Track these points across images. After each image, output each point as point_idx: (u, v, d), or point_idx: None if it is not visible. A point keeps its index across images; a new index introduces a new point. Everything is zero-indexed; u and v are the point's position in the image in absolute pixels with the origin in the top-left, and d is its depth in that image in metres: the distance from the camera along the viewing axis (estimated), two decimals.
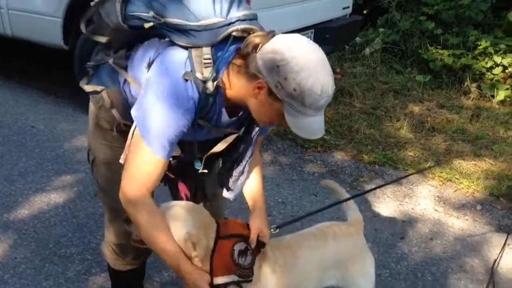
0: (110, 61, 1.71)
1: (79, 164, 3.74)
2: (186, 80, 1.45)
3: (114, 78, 1.71)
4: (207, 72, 1.47)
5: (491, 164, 4.12)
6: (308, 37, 4.78)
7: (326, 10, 4.91)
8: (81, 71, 4.42)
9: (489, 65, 5.48)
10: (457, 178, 3.93)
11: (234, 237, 1.69)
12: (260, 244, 1.75)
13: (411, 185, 3.87)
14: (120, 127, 1.74)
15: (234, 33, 1.52)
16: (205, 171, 1.81)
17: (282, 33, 1.50)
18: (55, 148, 4.00)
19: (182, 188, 1.88)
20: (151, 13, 1.51)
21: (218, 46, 1.52)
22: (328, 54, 5.33)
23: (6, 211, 3.16)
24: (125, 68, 1.69)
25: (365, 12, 6.89)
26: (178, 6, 1.52)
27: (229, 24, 1.51)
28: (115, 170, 1.73)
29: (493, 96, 5.28)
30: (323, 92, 1.39)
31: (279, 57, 1.38)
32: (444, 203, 3.65)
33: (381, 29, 6.65)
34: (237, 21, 1.52)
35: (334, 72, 4.67)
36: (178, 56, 1.49)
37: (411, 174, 3.46)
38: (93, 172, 1.96)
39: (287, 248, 1.85)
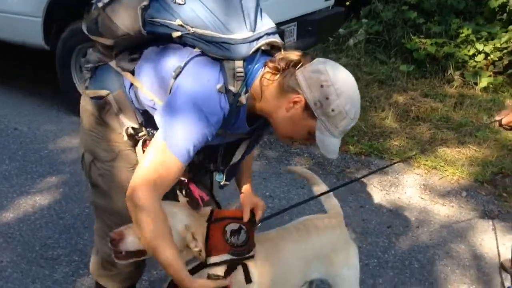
0: (112, 63, 1.67)
1: (64, 165, 3.71)
2: (220, 92, 1.48)
3: (119, 82, 1.67)
4: (239, 85, 1.51)
5: (475, 150, 4.16)
6: (291, 30, 4.73)
7: (308, 2, 4.90)
8: (63, 72, 4.39)
9: (471, 52, 5.51)
10: (442, 166, 3.96)
11: (226, 219, 1.75)
12: (253, 219, 1.82)
13: (397, 174, 3.89)
14: (128, 131, 1.71)
15: (262, 47, 1.58)
16: (227, 183, 1.79)
17: None
18: (39, 149, 3.97)
19: (196, 190, 1.82)
20: (178, 22, 1.50)
21: (248, 59, 1.55)
22: (311, 46, 5.38)
23: None
24: (131, 72, 1.65)
25: (347, 3, 6.88)
26: (208, 17, 1.52)
27: (258, 38, 1.56)
28: (121, 170, 1.75)
29: (476, 84, 5.32)
30: (355, 117, 1.50)
31: (324, 78, 1.45)
32: (430, 191, 3.68)
33: (364, 20, 6.65)
34: (264, 35, 1.58)
35: None
36: (211, 67, 1.51)
37: (395, 163, 3.49)
38: (91, 174, 1.82)
39: (269, 243, 1.85)
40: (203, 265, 1.68)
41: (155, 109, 1.62)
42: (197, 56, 1.52)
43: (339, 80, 1.46)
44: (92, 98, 1.70)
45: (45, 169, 3.69)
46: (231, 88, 1.50)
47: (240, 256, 1.73)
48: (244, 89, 1.53)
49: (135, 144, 1.74)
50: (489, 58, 5.39)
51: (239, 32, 1.52)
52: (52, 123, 4.42)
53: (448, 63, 5.56)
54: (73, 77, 4.41)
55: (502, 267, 2.88)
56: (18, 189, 3.42)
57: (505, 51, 5.29)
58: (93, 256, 2.04)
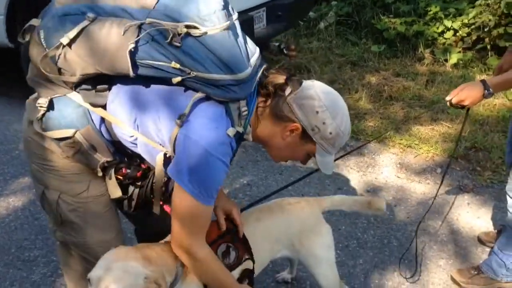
0: (72, 95, 1.52)
1: None
2: (229, 136, 1.47)
3: (84, 116, 1.54)
4: (242, 123, 1.52)
5: (448, 127, 4.22)
6: (260, 16, 4.66)
7: None
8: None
9: (440, 30, 5.55)
10: (417, 144, 4.01)
11: (214, 242, 1.73)
12: (232, 227, 1.83)
13: (373, 155, 3.92)
14: (103, 165, 1.62)
15: (257, 79, 1.55)
16: None
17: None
18: (9, 150, 3.88)
19: (169, 209, 1.79)
20: (175, 64, 1.37)
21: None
22: (282, 31, 5.35)
23: None
24: (100, 106, 1.54)
25: None
26: (210, 58, 1.39)
27: (256, 72, 1.53)
28: (93, 201, 1.68)
29: (446, 60, 5.37)
30: (348, 134, 1.58)
31: (318, 103, 1.49)
32: (406, 170, 3.73)
33: (333, 2, 6.65)
34: (259, 67, 1.54)
35: (289, 49, 4.70)
36: (217, 112, 1.46)
37: (369, 142, 3.51)
38: (60, 211, 1.68)
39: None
40: None
41: (135, 144, 1.57)
42: (200, 100, 1.44)
43: (331, 103, 1.52)
44: (56, 139, 1.56)
45: (17, 170, 3.61)
46: (238, 128, 1.50)
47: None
48: (248, 126, 1.56)
49: (106, 174, 1.67)
50: (457, 34, 5.44)
51: (242, 71, 1.44)
52: (21, 122, 4.31)
53: (418, 41, 5.60)
54: None
55: (479, 240, 2.94)
56: None
57: (473, 26, 5.34)
58: None
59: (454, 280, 2.61)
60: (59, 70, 1.46)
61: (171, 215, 1.55)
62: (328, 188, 3.49)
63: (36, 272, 2.66)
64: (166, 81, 1.44)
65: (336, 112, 1.51)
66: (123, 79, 1.49)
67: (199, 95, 1.44)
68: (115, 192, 1.68)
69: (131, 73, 1.40)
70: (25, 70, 1.62)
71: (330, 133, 1.51)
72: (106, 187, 1.69)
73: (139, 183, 1.69)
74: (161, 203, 1.80)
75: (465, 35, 5.41)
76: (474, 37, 5.35)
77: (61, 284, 2.56)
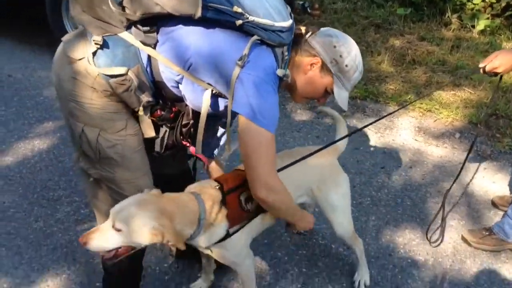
0: (123, 35, 1.58)
1: (60, 111, 3.70)
2: (277, 76, 1.64)
3: (135, 55, 1.61)
4: (283, 66, 1.69)
5: (470, 93, 4.18)
6: None
7: None
8: (54, 18, 4.32)
9: None
10: (437, 109, 3.99)
11: (238, 188, 1.81)
12: None
13: (392, 117, 3.92)
14: (145, 104, 1.69)
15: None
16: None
17: None
18: (34, 96, 3.97)
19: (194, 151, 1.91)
20: (237, 9, 1.52)
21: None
22: None
23: None
24: (150, 46, 1.61)
25: None
26: (264, 5, 1.58)
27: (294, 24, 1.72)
28: (131, 138, 1.74)
29: (473, 26, 5.27)
30: (362, 71, 1.76)
31: (335, 40, 1.70)
32: (424, 133, 3.73)
33: None
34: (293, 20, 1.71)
35: (313, 9, 4.64)
36: (270, 54, 1.63)
37: (395, 112, 3.49)
38: (100, 148, 1.71)
39: None
40: (227, 236, 1.80)
41: (177, 84, 1.69)
42: (256, 44, 1.59)
43: (347, 40, 1.72)
44: (108, 76, 1.61)
45: (41, 115, 3.70)
46: (280, 71, 1.65)
47: (255, 216, 1.88)
48: (287, 69, 1.72)
49: (145, 114, 1.74)
50: (487, 0, 5.32)
51: (286, 20, 1.63)
52: (46, 69, 4.38)
53: (446, 5, 5.49)
54: (64, 24, 4.34)
55: (493, 203, 2.97)
56: (16, 134, 3.44)
57: None
58: None
59: (465, 240, 2.65)
60: (123, 8, 1.54)
61: (243, 157, 1.64)
62: (346, 147, 3.50)
63: (60, 210, 2.77)
64: (225, 25, 1.57)
65: (351, 48, 1.72)
66: (183, 21, 1.58)
67: (255, 38, 1.58)
68: (149, 132, 1.76)
69: (198, 14, 1.51)
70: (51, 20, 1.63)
71: (346, 65, 1.70)
72: (138, 127, 1.76)
73: (170, 125, 1.79)
74: (187, 144, 1.87)
75: (494, 1, 5.29)
76: (503, 4, 5.23)
77: (83, 223, 2.67)
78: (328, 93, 1.79)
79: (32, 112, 3.73)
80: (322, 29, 1.77)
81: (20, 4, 4.94)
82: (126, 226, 1.58)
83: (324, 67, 1.71)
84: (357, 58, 1.73)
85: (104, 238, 1.59)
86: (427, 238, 2.63)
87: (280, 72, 1.64)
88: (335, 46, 1.69)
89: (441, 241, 2.64)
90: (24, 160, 3.18)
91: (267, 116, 1.59)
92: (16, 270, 2.37)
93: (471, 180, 3.19)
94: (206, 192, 1.78)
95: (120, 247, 1.62)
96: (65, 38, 1.70)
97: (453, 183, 2.65)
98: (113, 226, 1.58)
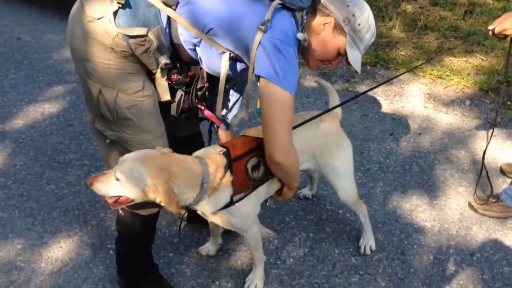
0: None
1: (70, 74, 3.73)
2: (297, 40, 1.67)
3: (155, 16, 1.62)
4: (302, 30, 1.70)
5: (482, 59, 4.12)
6: None
7: None
8: None
9: None
10: (448, 75, 3.95)
11: (245, 155, 1.82)
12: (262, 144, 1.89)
13: (402, 84, 3.89)
14: (162, 66, 1.70)
15: None
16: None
17: None
18: (43, 59, 3.96)
19: (210, 115, 1.94)
20: None
21: None
22: None
23: (1, 122, 3.21)
24: (171, 7, 1.62)
25: None
26: None
27: None
28: (147, 99, 1.73)
29: None
30: (374, 33, 1.77)
31: (349, 0, 1.70)
32: (434, 100, 3.71)
33: None
34: None
35: None
36: (291, 18, 1.65)
37: (402, 74, 3.46)
38: (117, 108, 1.71)
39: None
40: (230, 203, 1.82)
41: (195, 47, 1.70)
42: (278, 9, 1.61)
43: (360, 1, 1.73)
44: (129, 36, 1.60)
45: (51, 78, 3.71)
46: (301, 35, 1.67)
47: (260, 185, 1.90)
48: (305, 33, 1.72)
49: (162, 76, 1.74)
50: None
51: None
52: (56, 33, 4.38)
53: None
54: None
55: (501, 171, 2.97)
56: (26, 97, 3.47)
57: None
58: None
59: (471, 206, 2.67)
60: None
61: (263, 119, 1.66)
62: (354, 114, 3.51)
63: (71, 173, 2.81)
64: None
65: (364, 8, 1.72)
66: None
67: (277, 2, 1.61)
68: (165, 95, 1.77)
69: None
70: None
71: (359, 24, 1.70)
72: (154, 88, 1.76)
73: (185, 89, 1.80)
74: (202, 107, 1.89)
75: None
76: None
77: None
78: (341, 55, 1.79)
79: (42, 76, 3.74)
80: None
81: None
82: (124, 178, 1.62)
83: (337, 26, 1.72)
84: (370, 18, 1.73)
85: (107, 184, 1.65)
86: (475, 199, 2.66)
87: (300, 35, 1.66)
88: (348, 5, 1.70)
89: (492, 193, 2.66)
90: (35, 124, 3.21)
91: (289, 79, 1.61)
92: (29, 232, 2.43)
93: (482, 148, 3.18)
94: (211, 157, 1.79)
95: (120, 196, 1.67)
96: None
97: (487, 146, 2.67)
98: (115, 175, 1.63)
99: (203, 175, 1.73)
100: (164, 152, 1.73)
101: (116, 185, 1.64)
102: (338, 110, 2.23)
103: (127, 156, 1.67)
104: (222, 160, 1.79)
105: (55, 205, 2.59)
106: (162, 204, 1.68)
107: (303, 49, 1.77)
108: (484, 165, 2.63)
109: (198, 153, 1.84)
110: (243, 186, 1.85)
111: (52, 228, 2.46)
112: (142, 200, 1.69)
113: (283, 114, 1.64)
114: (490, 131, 3.33)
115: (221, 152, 1.81)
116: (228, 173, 1.79)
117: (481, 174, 2.65)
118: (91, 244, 2.39)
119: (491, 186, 2.66)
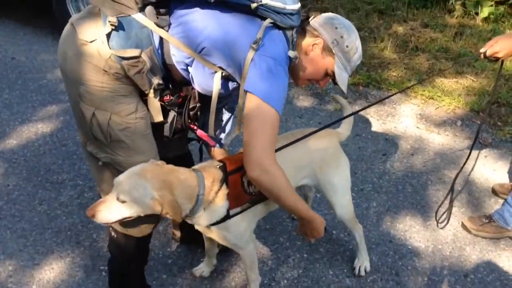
0: (137, 16, 1.60)
1: (63, 94, 3.73)
2: (288, 58, 1.70)
3: (147, 37, 1.63)
4: (292, 48, 1.74)
5: (472, 80, 4.18)
6: None
7: None
8: (57, 3, 4.30)
9: None
10: (439, 96, 3.99)
11: (241, 169, 1.81)
12: None
13: (394, 104, 3.93)
14: (155, 87, 1.71)
15: None
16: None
17: None
18: (37, 79, 3.97)
19: (203, 135, 1.96)
20: None
21: None
22: None
23: None
24: (163, 28, 1.64)
25: None
26: None
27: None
28: (141, 121, 1.74)
29: (477, 14, 5.24)
30: (361, 55, 1.83)
31: (337, 22, 1.78)
32: (426, 120, 3.74)
33: None
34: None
35: None
36: (282, 37, 1.70)
37: (394, 94, 3.50)
38: (111, 131, 1.71)
39: None
40: (227, 217, 1.83)
41: (187, 67, 1.72)
42: (269, 28, 1.65)
43: (347, 24, 1.79)
44: (122, 58, 1.61)
45: (45, 98, 3.71)
46: (292, 53, 1.70)
47: (258, 201, 1.90)
48: (296, 51, 1.75)
49: (155, 97, 1.75)
50: None
51: (296, 3, 1.70)
52: (49, 52, 4.39)
53: None
54: (67, 7, 4.34)
55: (493, 191, 2.99)
56: (20, 117, 3.46)
57: None
58: None
59: (464, 227, 2.68)
60: None
61: (245, 135, 1.65)
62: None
63: (63, 194, 2.79)
64: (239, 9, 1.63)
65: (351, 31, 1.78)
66: (197, 4, 1.63)
67: (268, 21, 1.64)
68: (158, 116, 1.78)
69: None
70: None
71: (347, 46, 1.76)
72: (146, 110, 1.77)
73: (178, 109, 1.82)
74: (194, 127, 1.91)
75: None
76: None
77: (87, 206, 2.68)
78: (328, 75, 1.83)
79: (35, 95, 3.74)
80: (324, 14, 1.82)
81: None
82: (129, 198, 1.62)
83: (326, 48, 1.77)
84: (357, 40, 1.79)
85: (110, 210, 1.65)
86: (436, 219, 2.68)
87: (291, 53, 1.70)
88: (336, 28, 1.76)
89: (447, 223, 2.67)
90: (28, 143, 3.20)
91: (277, 97, 1.63)
92: (21, 253, 2.41)
93: (472, 168, 3.21)
94: (208, 170, 1.80)
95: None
96: (73, 19, 1.69)
97: (461, 169, 2.71)
98: (117, 198, 1.62)
99: (199, 187, 1.75)
100: (158, 164, 1.74)
101: (120, 207, 1.64)
102: (343, 129, 2.30)
103: (123, 176, 1.66)
104: (219, 174, 1.81)
105: (47, 225, 2.57)
106: (168, 215, 1.68)
107: (292, 68, 1.79)
108: (453, 188, 2.65)
109: (195, 167, 1.86)
110: (239, 200, 1.85)
111: (44, 249, 2.44)
112: (144, 215, 1.69)
113: (264, 130, 1.63)
114: (481, 151, 3.37)
115: (218, 166, 1.83)
116: (224, 186, 1.80)
117: (448, 193, 2.66)
118: (84, 265, 2.36)
119: (450, 208, 2.66)
